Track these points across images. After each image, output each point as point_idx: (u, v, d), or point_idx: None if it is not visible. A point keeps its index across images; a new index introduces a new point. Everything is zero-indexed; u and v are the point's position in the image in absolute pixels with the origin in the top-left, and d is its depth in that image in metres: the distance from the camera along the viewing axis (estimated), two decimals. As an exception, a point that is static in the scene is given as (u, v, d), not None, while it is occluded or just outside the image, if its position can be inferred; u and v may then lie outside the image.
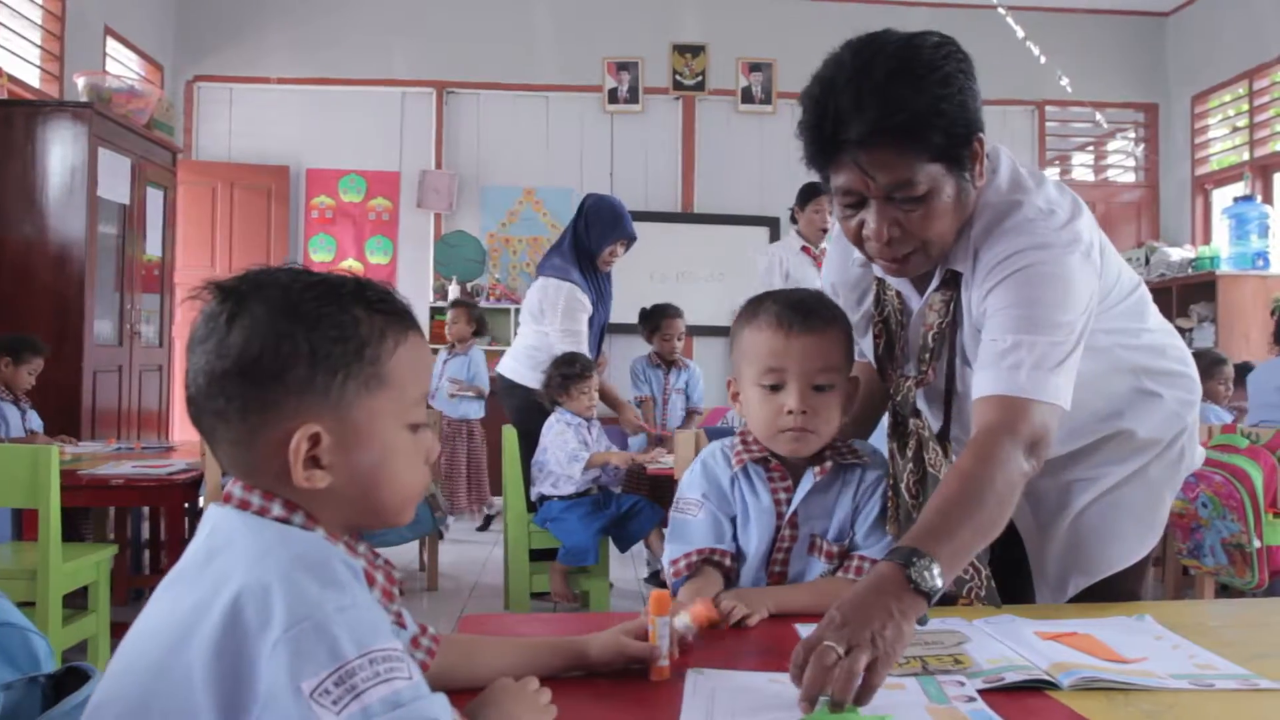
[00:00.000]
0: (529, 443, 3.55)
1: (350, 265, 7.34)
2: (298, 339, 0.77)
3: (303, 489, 0.78)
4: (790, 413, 1.30)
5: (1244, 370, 4.59)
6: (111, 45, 6.34)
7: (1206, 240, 7.12)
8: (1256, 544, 2.98)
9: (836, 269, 1.55)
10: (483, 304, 7.14)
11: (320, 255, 7.32)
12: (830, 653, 0.92)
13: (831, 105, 1.21)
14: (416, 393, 0.84)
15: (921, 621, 1.07)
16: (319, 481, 0.78)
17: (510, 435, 3.51)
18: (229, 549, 0.75)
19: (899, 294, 1.45)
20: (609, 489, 3.57)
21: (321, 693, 0.66)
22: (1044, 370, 1.21)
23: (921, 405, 1.47)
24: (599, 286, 3.93)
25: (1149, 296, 1.53)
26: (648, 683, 1.03)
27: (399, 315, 0.83)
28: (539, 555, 3.52)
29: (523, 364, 3.81)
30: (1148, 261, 7.04)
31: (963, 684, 1.01)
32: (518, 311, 7.06)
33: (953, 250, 1.33)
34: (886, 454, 1.47)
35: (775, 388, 1.32)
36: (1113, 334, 1.42)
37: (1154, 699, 0.99)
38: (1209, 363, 4.33)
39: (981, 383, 1.25)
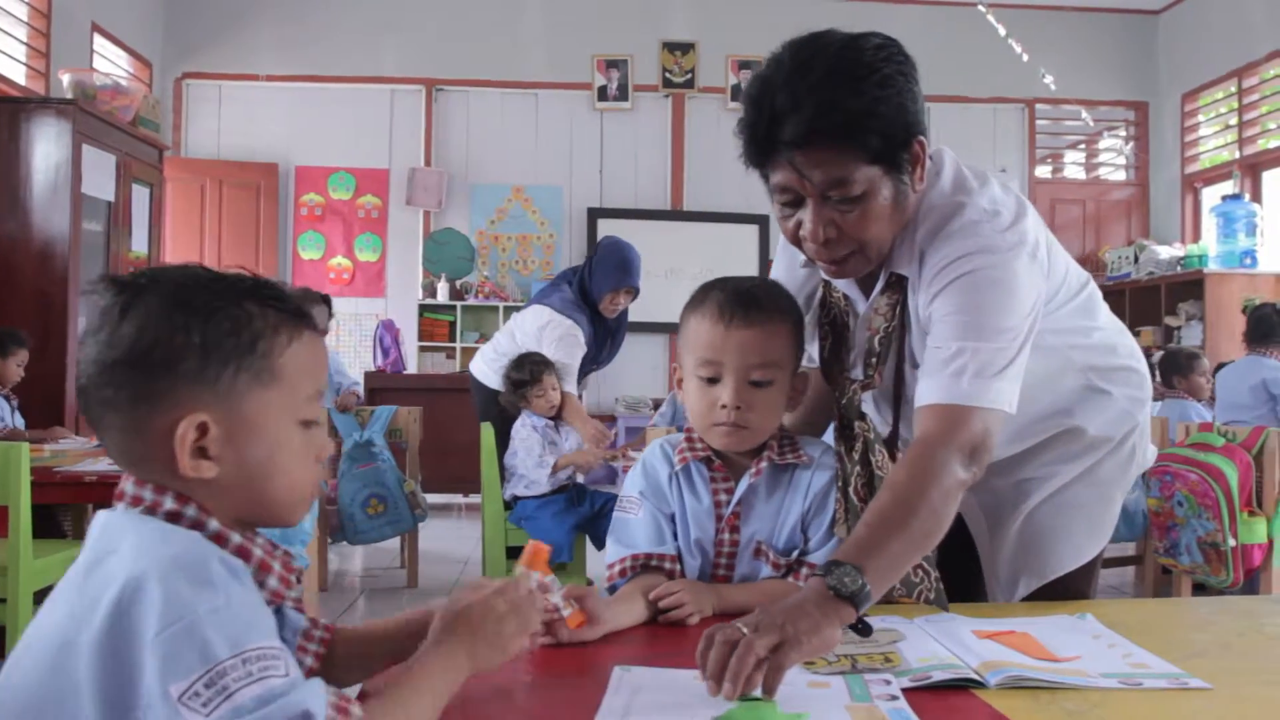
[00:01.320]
0: (501, 440, 3.55)
1: (339, 262, 7.34)
2: (190, 330, 0.78)
3: (190, 480, 0.78)
4: (724, 407, 1.28)
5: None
6: (100, 43, 6.33)
7: (1196, 238, 7.12)
8: (1231, 543, 2.97)
9: (784, 272, 1.54)
10: (471, 301, 7.14)
11: (309, 253, 7.32)
12: (736, 632, 0.93)
13: (768, 105, 1.20)
14: (309, 389, 0.85)
15: (864, 631, 1.08)
16: (205, 472, 0.79)
17: (488, 432, 3.51)
18: (115, 552, 0.75)
19: (845, 296, 1.45)
20: (584, 486, 3.56)
21: (190, 696, 0.67)
22: (986, 377, 1.21)
23: (868, 408, 1.46)
24: (605, 330, 3.88)
25: (1099, 294, 1.53)
26: (572, 678, 1.03)
27: (294, 313, 0.84)
28: (516, 553, 3.51)
29: (490, 366, 3.82)
30: (1137, 260, 7.05)
31: (889, 682, 1.00)
32: (506, 309, 7.08)
33: (897, 253, 1.32)
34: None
35: (712, 380, 1.30)
36: (1062, 333, 1.41)
37: (1080, 698, 0.99)
38: (1185, 358, 4.33)
39: (924, 391, 1.24)
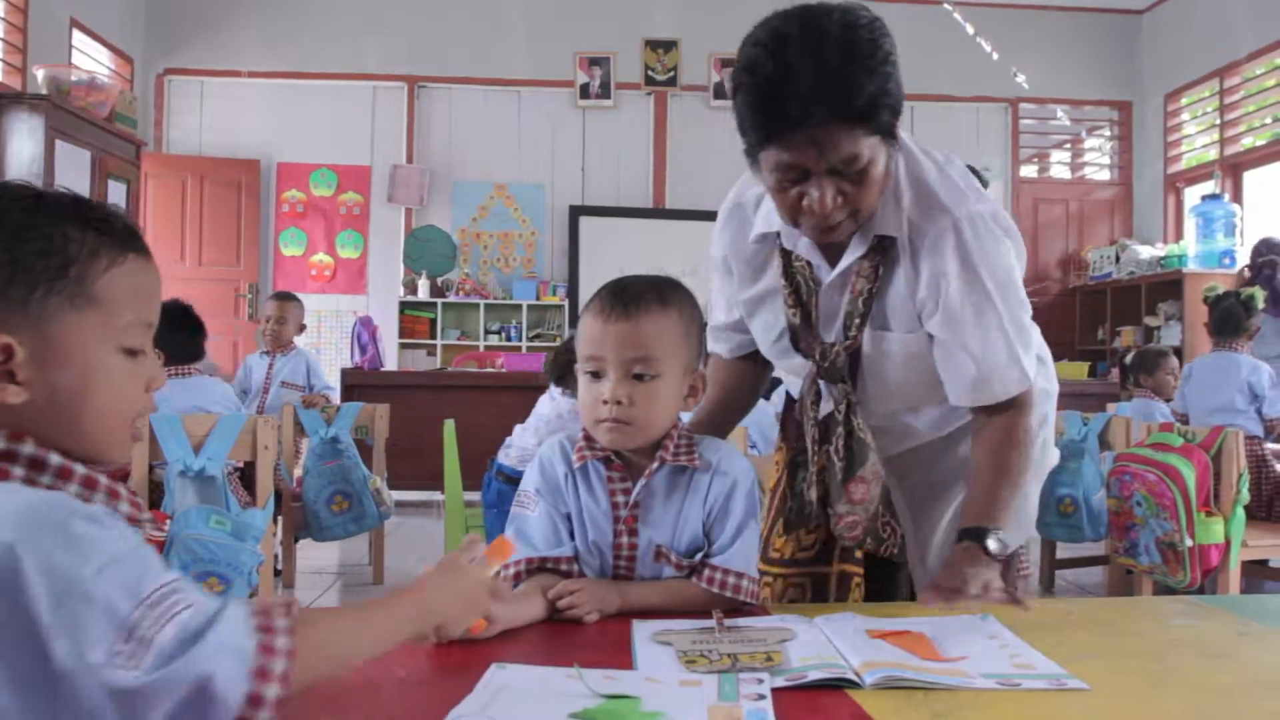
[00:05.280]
0: None
1: (321, 259, 7.33)
2: None
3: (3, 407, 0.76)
4: (605, 402, 1.26)
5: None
6: (79, 38, 6.32)
7: (1178, 238, 7.12)
8: (1189, 543, 2.97)
9: (729, 243, 1.54)
10: (452, 299, 7.13)
11: (291, 249, 7.31)
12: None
13: (793, 88, 1.20)
14: (131, 316, 0.83)
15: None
16: (11, 397, 0.76)
17: (450, 429, 3.49)
18: None
19: (809, 264, 1.44)
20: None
21: (113, 656, 0.66)
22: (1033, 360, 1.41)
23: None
24: None
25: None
26: (449, 675, 1.02)
27: (117, 235, 0.82)
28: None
29: None
30: (1118, 259, 7.04)
31: (760, 681, 1.00)
32: (487, 307, 7.08)
33: (880, 216, 1.35)
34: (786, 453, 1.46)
35: (596, 375, 1.28)
36: None
37: (951, 699, 0.98)
38: (1153, 355, 4.33)
39: (1008, 376, 1.38)
